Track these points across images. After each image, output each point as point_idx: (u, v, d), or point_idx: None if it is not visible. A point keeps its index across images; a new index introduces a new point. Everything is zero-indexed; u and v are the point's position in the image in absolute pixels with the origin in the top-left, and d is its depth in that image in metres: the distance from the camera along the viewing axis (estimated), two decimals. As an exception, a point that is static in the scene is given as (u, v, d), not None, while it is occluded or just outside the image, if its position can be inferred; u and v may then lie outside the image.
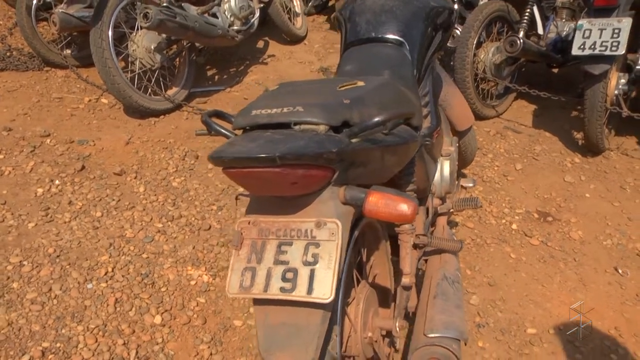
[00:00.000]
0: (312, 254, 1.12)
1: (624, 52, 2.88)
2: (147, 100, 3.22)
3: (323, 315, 1.14)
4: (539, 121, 3.70)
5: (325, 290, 1.09)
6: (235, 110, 3.45)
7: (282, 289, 1.11)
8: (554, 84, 3.94)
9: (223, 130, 1.26)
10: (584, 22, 2.96)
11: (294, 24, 4.47)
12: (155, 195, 2.59)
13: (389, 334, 1.53)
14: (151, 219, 2.43)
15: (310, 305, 1.12)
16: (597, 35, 2.93)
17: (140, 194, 2.59)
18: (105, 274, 2.10)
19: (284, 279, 1.12)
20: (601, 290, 2.32)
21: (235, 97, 3.67)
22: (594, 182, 3.04)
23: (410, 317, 1.65)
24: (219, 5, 3.56)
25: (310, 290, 1.10)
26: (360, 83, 1.32)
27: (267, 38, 4.53)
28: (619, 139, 3.47)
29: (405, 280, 1.48)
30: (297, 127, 1.12)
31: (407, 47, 1.80)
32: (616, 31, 2.89)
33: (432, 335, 1.31)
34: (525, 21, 3.53)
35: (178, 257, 2.23)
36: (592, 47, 2.93)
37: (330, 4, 5.31)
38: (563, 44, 3.78)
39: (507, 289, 2.29)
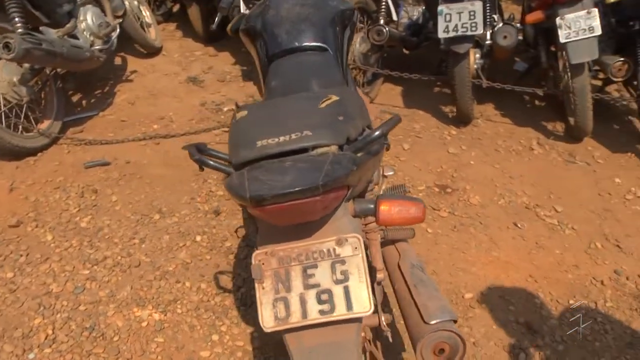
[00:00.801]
0: (340, 271, 1.16)
1: (482, 30, 3.21)
2: (20, 139, 2.93)
3: (357, 327, 1.19)
4: (410, 101, 3.98)
5: (364, 303, 1.14)
6: (118, 134, 3.29)
7: (321, 312, 1.14)
8: (411, 65, 4.24)
9: (220, 166, 1.23)
10: (443, 7, 3.24)
11: (148, 35, 4.31)
12: (67, 240, 2.39)
13: (376, 330, 1.61)
14: (73, 267, 2.25)
15: (347, 320, 1.16)
16: (457, 18, 3.22)
17: (49, 242, 2.38)
18: (46, 338, 1.92)
19: (320, 301, 1.15)
20: (509, 245, 2.61)
21: (112, 120, 3.47)
22: (473, 150, 3.37)
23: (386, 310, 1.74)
24: (76, 26, 3.32)
25: (349, 306, 1.14)
26: (335, 97, 1.35)
27: (122, 54, 4.31)
28: (480, 107, 3.85)
29: (380, 275, 1.56)
30: (314, 151, 1.13)
31: (331, 53, 1.86)
32: (472, 13, 3.21)
33: (434, 322, 1.40)
34: (382, 10, 3.77)
35: (119, 301, 2.11)
36: (455, 29, 3.22)
37: (174, 10, 5.18)
38: (415, 27, 4.10)
39: (435, 262, 2.48)
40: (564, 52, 3.39)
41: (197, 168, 2.88)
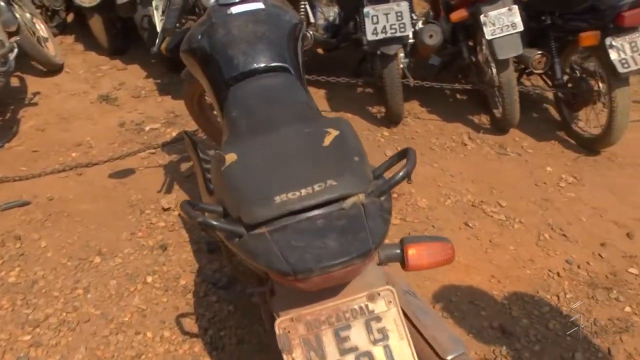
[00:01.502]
0: (377, 329, 1.06)
1: (411, 31, 3.20)
2: None
3: None
4: (335, 104, 3.91)
5: None
6: (31, 167, 2.95)
7: None
8: (327, 66, 4.17)
9: (229, 227, 1.07)
10: (369, 9, 3.19)
11: (47, 51, 3.92)
12: (-5, 301, 2.10)
13: None
14: (10, 334, 1.97)
15: None
16: (385, 20, 3.19)
17: (-26, 306, 2.07)
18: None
19: None
20: (466, 246, 2.61)
21: (21, 152, 3.11)
22: (410, 151, 3.35)
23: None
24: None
25: None
26: (334, 131, 1.24)
27: (19, 74, 3.89)
28: (407, 105, 3.85)
29: None
30: (344, 204, 1.02)
31: (292, 72, 1.74)
32: (399, 14, 3.19)
33: (450, 357, 1.34)
34: (302, 13, 3.68)
35: (74, 366, 1.87)
36: (384, 31, 3.18)
37: (69, 20, 4.76)
38: (333, 28, 4.03)
39: (399, 272, 2.43)
40: (484, 47, 3.49)
41: (130, 198, 2.71)
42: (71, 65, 4.15)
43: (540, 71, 3.43)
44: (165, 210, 2.63)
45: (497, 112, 3.64)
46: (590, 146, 3.40)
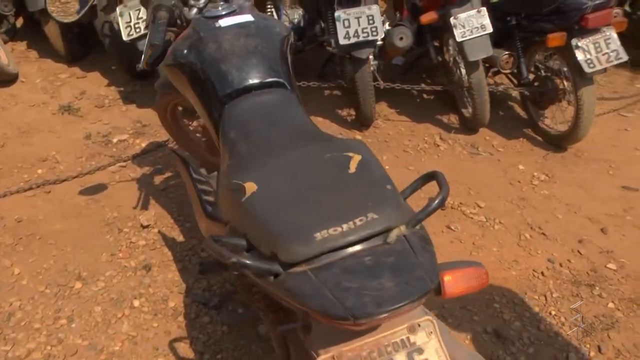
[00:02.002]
0: None
1: (383, 35, 3.19)
2: None
3: None
4: (305, 108, 3.86)
5: None
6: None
7: None
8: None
9: (265, 266, 1.02)
10: (340, 13, 3.16)
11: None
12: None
13: None
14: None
15: None
16: (356, 24, 3.16)
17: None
18: None
19: None
20: (450, 250, 2.64)
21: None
22: (384, 154, 3.36)
23: None
24: None
25: None
26: (356, 155, 1.21)
27: (-32, 86, 3.69)
28: (376, 107, 3.85)
29: None
30: (389, 238, 0.99)
31: (287, 87, 1.70)
32: (370, 17, 3.17)
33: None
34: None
35: (68, 404, 1.77)
36: (356, 34, 3.16)
37: (19, 26, 4.54)
38: (298, 31, 3.98)
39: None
40: (451, 48, 3.53)
41: (105, 216, 2.60)
42: (26, 74, 3.95)
43: (507, 71, 3.48)
44: (144, 227, 2.54)
45: (466, 112, 3.68)
46: (557, 143, 3.48)
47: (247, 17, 1.79)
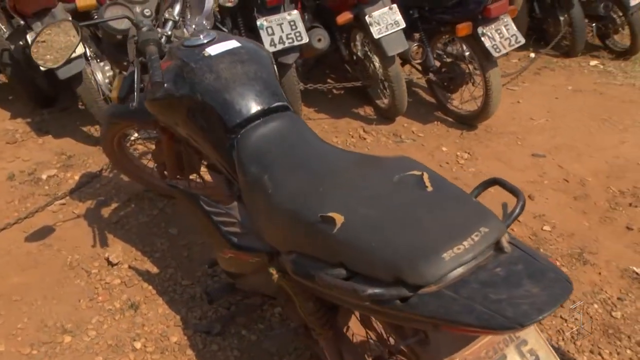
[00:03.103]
0: (527, 352, 1.17)
1: (308, 39, 3.27)
2: None
3: None
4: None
5: None
6: None
7: None
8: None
9: (395, 292, 1.08)
10: (262, 21, 3.20)
11: None
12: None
13: None
14: None
15: None
16: (279, 30, 3.22)
17: None
18: None
19: None
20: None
21: None
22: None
23: None
24: None
25: None
26: (417, 172, 1.30)
27: None
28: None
29: None
30: (505, 248, 1.09)
31: (291, 109, 1.74)
32: (292, 23, 3.24)
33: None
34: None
35: None
36: (281, 41, 3.22)
37: None
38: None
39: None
40: (358, 44, 3.72)
41: (65, 261, 2.46)
42: None
43: (418, 61, 3.74)
44: (113, 265, 2.44)
45: (381, 103, 3.90)
46: (468, 121, 3.81)
47: (233, 43, 1.79)
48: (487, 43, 3.31)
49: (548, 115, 4.02)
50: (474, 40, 3.39)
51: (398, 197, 1.24)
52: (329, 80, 4.33)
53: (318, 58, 4.18)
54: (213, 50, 1.75)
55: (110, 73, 3.29)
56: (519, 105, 4.16)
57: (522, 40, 3.40)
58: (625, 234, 2.83)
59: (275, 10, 3.23)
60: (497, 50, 3.32)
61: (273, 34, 3.20)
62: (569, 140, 3.68)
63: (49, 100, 3.71)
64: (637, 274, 2.56)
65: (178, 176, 2.57)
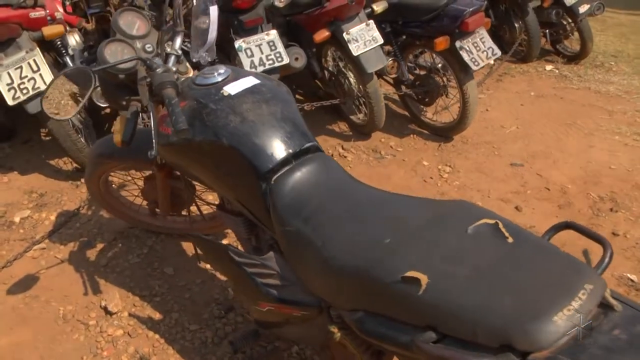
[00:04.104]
0: None
1: (288, 59, 3.18)
2: None
3: None
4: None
5: None
6: None
7: None
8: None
9: (504, 359, 1.02)
10: (240, 43, 3.09)
11: None
12: None
13: None
14: None
15: None
16: (259, 52, 3.12)
17: None
18: None
19: None
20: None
21: None
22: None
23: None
24: None
25: None
26: (496, 221, 1.25)
27: None
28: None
29: None
30: (615, 306, 1.05)
31: (321, 149, 1.67)
32: (271, 44, 3.15)
33: None
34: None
35: None
36: (261, 63, 3.12)
37: None
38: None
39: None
40: (330, 61, 3.67)
41: (57, 313, 2.30)
42: None
43: (394, 75, 3.72)
44: (112, 315, 2.27)
45: (356, 118, 3.86)
46: (444, 133, 3.83)
47: (251, 79, 1.70)
48: (466, 57, 3.33)
49: (517, 123, 4.10)
50: (450, 54, 3.40)
51: (480, 251, 1.19)
52: (298, 97, 4.25)
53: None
54: (232, 88, 1.65)
55: (80, 103, 3.09)
56: (489, 113, 4.22)
57: (499, 53, 3.44)
58: (612, 240, 2.91)
59: (253, 31, 3.14)
60: (476, 63, 3.35)
61: (252, 55, 3.10)
62: (542, 147, 3.76)
63: (9, 133, 3.45)
64: (632, 281, 2.62)
65: (171, 212, 2.46)
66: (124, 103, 1.90)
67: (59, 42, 3.01)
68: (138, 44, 1.88)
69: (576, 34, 5.11)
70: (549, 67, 5.16)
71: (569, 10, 4.90)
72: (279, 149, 1.56)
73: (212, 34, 1.92)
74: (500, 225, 1.23)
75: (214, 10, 1.88)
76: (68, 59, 3.10)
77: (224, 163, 1.61)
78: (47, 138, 3.54)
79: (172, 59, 1.87)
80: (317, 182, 1.55)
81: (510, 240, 1.19)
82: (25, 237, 2.68)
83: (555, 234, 1.37)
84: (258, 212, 1.62)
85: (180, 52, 1.89)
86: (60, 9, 3.21)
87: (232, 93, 1.63)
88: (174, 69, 1.84)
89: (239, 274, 1.63)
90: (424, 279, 1.14)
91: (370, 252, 1.29)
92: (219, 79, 1.69)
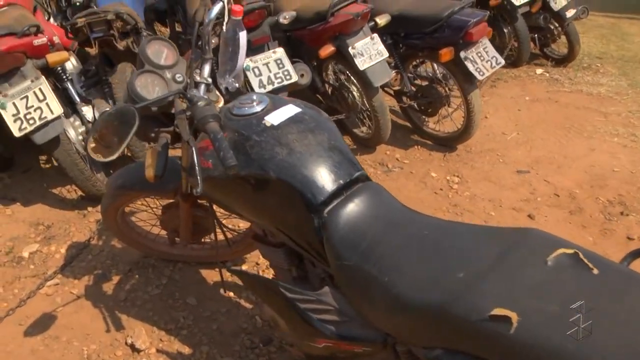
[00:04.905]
0: None
1: (297, 77, 3.13)
2: None
3: None
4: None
5: None
6: None
7: None
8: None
9: None
10: (248, 62, 3.03)
11: None
12: None
13: None
14: None
15: None
16: (267, 70, 3.07)
17: None
18: None
19: None
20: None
21: None
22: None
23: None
24: None
25: None
26: (574, 250, 1.21)
27: None
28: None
29: None
30: None
31: (369, 177, 1.63)
32: (279, 62, 3.10)
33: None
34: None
35: None
36: (270, 82, 3.07)
37: None
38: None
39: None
40: (330, 75, 3.63)
41: (81, 354, 2.24)
42: None
43: (397, 88, 3.70)
44: (140, 351, 2.19)
45: (359, 131, 3.83)
46: (448, 143, 3.83)
47: (292, 108, 1.65)
48: (471, 67, 3.32)
49: (517, 128, 4.12)
50: (454, 64, 3.40)
51: (566, 284, 1.15)
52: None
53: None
54: (273, 118, 1.60)
55: (83, 129, 3.00)
56: (488, 120, 4.23)
57: (502, 62, 3.45)
58: (628, 244, 2.93)
59: (259, 49, 3.08)
60: (481, 73, 3.35)
61: (260, 74, 3.05)
62: (545, 152, 3.78)
63: (7, 163, 3.32)
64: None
65: (192, 241, 2.39)
66: (153, 135, 1.83)
67: (59, 68, 2.90)
68: (168, 74, 1.81)
69: (563, 37, 5.17)
70: (539, 70, 5.20)
71: (556, 15, 4.97)
72: (330, 180, 1.51)
73: (241, 60, 1.86)
74: (581, 255, 1.19)
75: (243, 36, 1.82)
76: (69, 84, 3.00)
77: (270, 196, 1.56)
78: (47, 166, 3.42)
79: (202, 87, 1.80)
80: (372, 213, 1.51)
81: (595, 271, 1.16)
82: (36, 273, 2.57)
83: (634, 260, 1.34)
84: (309, 246, 1.57)
85: (210, 80, 1.82)
86: (56, 33, 3.11)
87: (275, 123, 1.58)
88: (205, 97, 1.77)
89: (291, 310, 1.57)
90: (514, 316, 1.10)
91: (444, 287, 1.25)
92: (259, 108, 1.63)
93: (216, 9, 1.78)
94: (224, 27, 1.83)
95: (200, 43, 1.83)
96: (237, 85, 1.91)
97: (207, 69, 1.84)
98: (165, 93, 1.67)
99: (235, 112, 1.65)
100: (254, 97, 1.68)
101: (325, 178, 1.51)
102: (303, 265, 1.82)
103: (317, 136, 1.58)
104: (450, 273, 1.27)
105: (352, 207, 1.50)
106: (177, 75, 1.82)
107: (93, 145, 1.43)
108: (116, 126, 1.47)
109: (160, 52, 1.84)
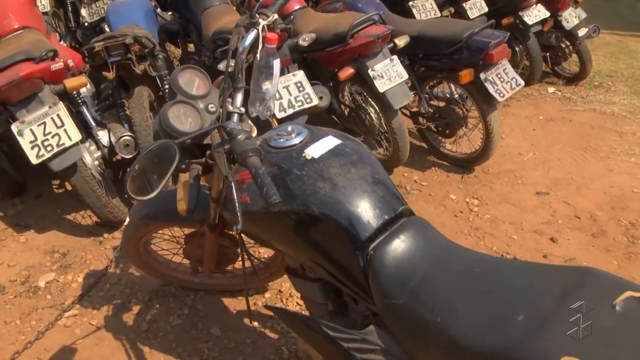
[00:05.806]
0: None
1: (317, 100, 3.09)
2: None
3: None
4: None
5: None
6: None
7: None
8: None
9: None
10: (267, 85, 2.97)
11: None
12: None
13: None
14: None
15: None
16: (287, 94, 3.02)
17: None
18: None
19: None
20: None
21: None
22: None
23: None
24: None
25: None
26: (634, 293, 1.16)
27: None
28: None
29: None
30: None
31: (413, 212, 1.57)
32: (299, 84, 3.06)
33: None
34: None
35: None
36: (291, 105, 3.02)
37: None
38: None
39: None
40: (347, 97, 3.59)
41: None
42: None
43: (415, 109, 3.66)
44: (168, 388, 2.12)
45: (377, 154, 3.78)
46: (465, 164, 3.78)
47: (332, 139, 1.60)
48: (491, 88, 3.29)
49: (533, 149, 4.08)
50: (473, 86, 3.36)
51: (634, 330, 1.10)
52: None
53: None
54: (314, 151, 1.54)
55: (99, 153, 2.94)
56: (504, 140, 4.18)
57: (522, 83, 3.41)
58: (655, 269, 2.87)
59: (280, 72, 3.03)
60: (501, 94, 3.31)
61: (281, 98, 3.00)
62: (562, 173, 3.74)
63: (20, 188, 3.26)
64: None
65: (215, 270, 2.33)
66: (183, 167, 1.77)
67: (74, 92, 2.86)
68: (200, 105, 1.75)
69: (573, 55, 5.16)
70: (551, 89, 5.18)
71: (568, 34, 4.96)
72: (374, 215, 1.46)
73: (274, 88, 1.81)
74: (631, 293, 1.14)
75: (277, 64, 1.77)
76: (83, 108, 2.95)
77: (311, 232, 1.50)
78: (60, 191, 3.36)
79: (235, 117, 1.75)
80: (419, 249, 1.45)
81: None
82: (54, 304, 2.50)
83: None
84: (352, 282, 1.50)
85: (243, 109, 1.77)
86: (70, 56, 3.06)
87: (316, 156, 1.53)
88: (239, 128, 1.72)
89: (334, 350, 1.51)
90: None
91: (503, 331, 1.19)
92: (297, 140, 1.58)
93: (250, 36, 1.73)
94: (258, 55, 1.78)
95: (232, 71, 1.78)
96: (268, 114, 1.86)
97: (239, 97, 1.79)
98: (205, 127, 1.62)
99: (272, 144, 1.60)
100: (291, 128, 1.63)
101: (370, 214, 1.46)
102: (340, 300, 1.76)
103: (359, 170, 1.53)
104: (508, 315, 1.21)
105: (398, 244, 1.45)
106: (210, 105, 1.76)
107: (133, 188, 1.37)
108: (156, 163, 1.42)
109: (192, 81, 1.78)
